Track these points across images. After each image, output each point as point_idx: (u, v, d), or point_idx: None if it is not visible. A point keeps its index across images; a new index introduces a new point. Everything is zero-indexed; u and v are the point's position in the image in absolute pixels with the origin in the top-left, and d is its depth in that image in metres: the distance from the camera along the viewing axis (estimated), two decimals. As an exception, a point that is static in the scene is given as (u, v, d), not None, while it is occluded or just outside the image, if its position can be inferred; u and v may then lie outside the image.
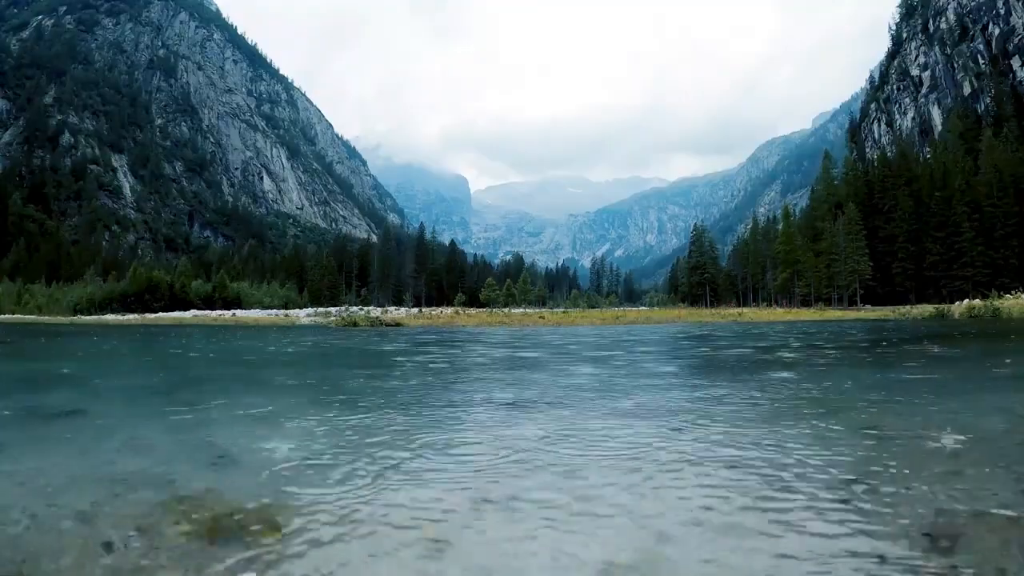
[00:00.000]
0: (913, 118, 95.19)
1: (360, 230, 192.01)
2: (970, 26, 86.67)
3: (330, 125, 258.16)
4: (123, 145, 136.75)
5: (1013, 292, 24.98)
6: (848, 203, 54.62)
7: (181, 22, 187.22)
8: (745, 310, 38.45)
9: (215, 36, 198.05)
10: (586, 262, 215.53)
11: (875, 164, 64.11)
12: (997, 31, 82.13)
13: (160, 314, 40.75)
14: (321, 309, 43.45)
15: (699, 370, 6.17)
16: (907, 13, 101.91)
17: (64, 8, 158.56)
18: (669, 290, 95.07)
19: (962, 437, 2.46)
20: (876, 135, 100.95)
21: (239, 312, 41.93)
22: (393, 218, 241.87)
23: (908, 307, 35.94)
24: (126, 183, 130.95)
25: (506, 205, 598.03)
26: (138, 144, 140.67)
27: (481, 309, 46.94)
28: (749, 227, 78.61)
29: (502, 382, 5.01)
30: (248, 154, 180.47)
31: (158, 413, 3.57)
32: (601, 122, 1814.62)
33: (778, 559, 1.29)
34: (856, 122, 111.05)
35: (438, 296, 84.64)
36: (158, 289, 54.66)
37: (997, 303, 21.72)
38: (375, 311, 32.00)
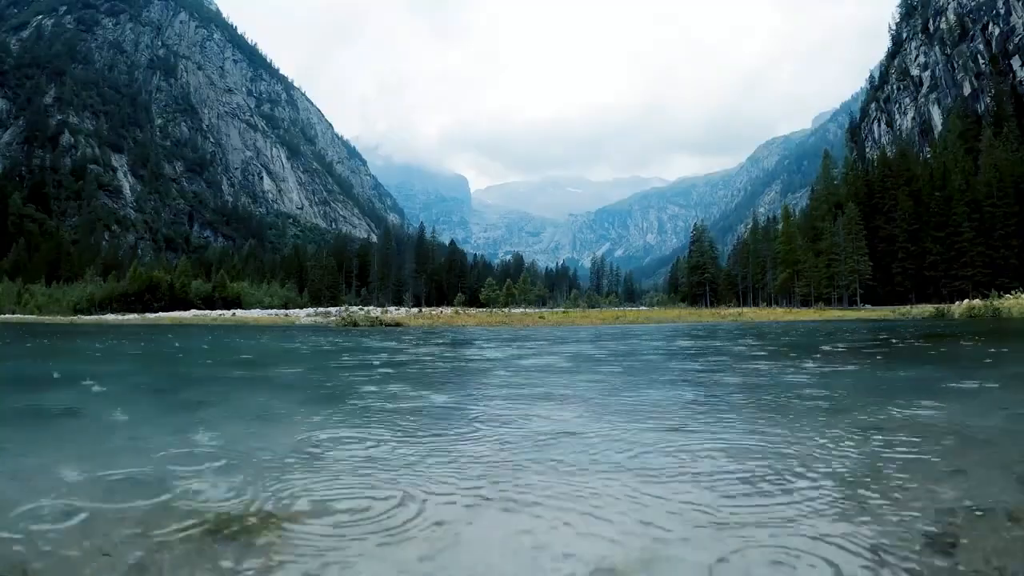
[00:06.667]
0: (913, 118, 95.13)
1: (360, 230, 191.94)
2: (970, 26, 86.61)
3: (330, 125, 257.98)
4: (123, 145, 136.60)
5: (1013, 292, 24.95)
6: (848, 203, 54.59)
7: (181, 22, 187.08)
8: (745, 310, 38.44)
9: (215, 36, 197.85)
10: (586, 262, 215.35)
11: (875, 164, 64.07)
12: (997, 31, 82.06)
13: (160, 314, 40.76)
14: (321, 309, 43.46)
15: (698, 371, 6.17)
16: (907, 13, 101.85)
17: (64, 8, 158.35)
18: (669, 290, 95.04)
19: (963, 436, 2.46)
20: (876, 135, 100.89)
21: (239, 312, 41.94)
22: (393, 218, 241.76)
23: (908, 307, 35.95)
24: (126, 183, 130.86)
25: (506, 205, 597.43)
26: (138, 144, 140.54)
27: (481, 309, 46.93)
28: (749, 227, 78.57)
29: (500, 382, 5.01)
30: (248, 154, 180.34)
31: (158, 413, 3.57)
32: (601, 122, 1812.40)
33: (778, 559, 1.28)
34: (856, 122, 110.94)
35: (438, 296, 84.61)
36: (158, 289, 54.68)
37: (997, 303, 21.73)
38: (375, 311, 31.99)
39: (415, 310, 41.17)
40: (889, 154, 65.01)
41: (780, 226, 66.11)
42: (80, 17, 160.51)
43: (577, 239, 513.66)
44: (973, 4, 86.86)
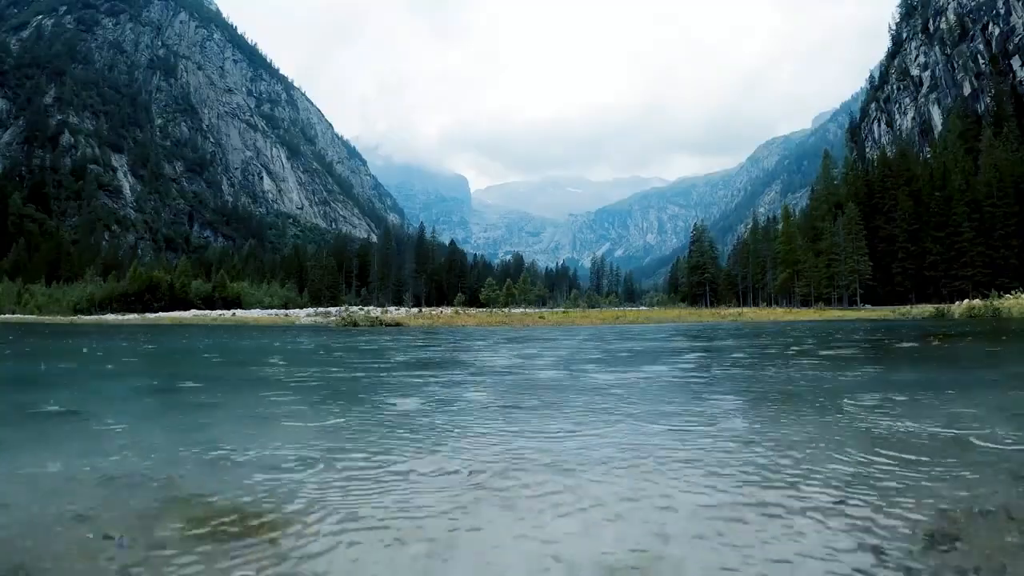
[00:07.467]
0: (913, 118, 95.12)
1: (360, 230, 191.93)
2: (970, 26, 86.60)
3: (330, 125, 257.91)
4: (123, 145, 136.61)
5: (1013, 292, 24.94)
6: (848, 203, 54.60)
7: (181, 22, 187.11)
8: (745, 310, 38.42)
9: (215, 36, 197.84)
10: (586, 262, 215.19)
11: (875, 164, 64.08)
12: (997, 31, 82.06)
13: (160, 314, 40.76)
14: (321, 309, 43.46)
15: (697, 370, 6.17)
16: (907, 13, 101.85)
17: (64, 8, 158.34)
18: (669, 290, 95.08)
19: (962, 436, 2.46)
20: (876, 135, 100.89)
21: (239, 312, 41.95)
22: (393, 218, 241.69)
23: (908, 307, 35.95)
24: (126, 183, 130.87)
25: (506, 205, 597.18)
26: (138, 144, 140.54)
27: (481, 309, 46.93)
28: (749, 227, 78.60)
29: (500, 382, 5.01)
30: (248, 154, 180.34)
31: (158, 413, 3.57)
32: (601, 122, 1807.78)
33: (778, 558, 1.28)
34: (856, 122, 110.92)
35: (438, 296, 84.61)
36: (158, 289, 54.70)
37: (997, 303, 21.72)
38: (375, 311, 31.99)
39: (415, 310, 41.17)
40: (889, 154, 65.02)
41: (780, 226, 66.13)
42: (80, 17, 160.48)
43: (577, 239, 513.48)
44: (973, 4, 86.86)
